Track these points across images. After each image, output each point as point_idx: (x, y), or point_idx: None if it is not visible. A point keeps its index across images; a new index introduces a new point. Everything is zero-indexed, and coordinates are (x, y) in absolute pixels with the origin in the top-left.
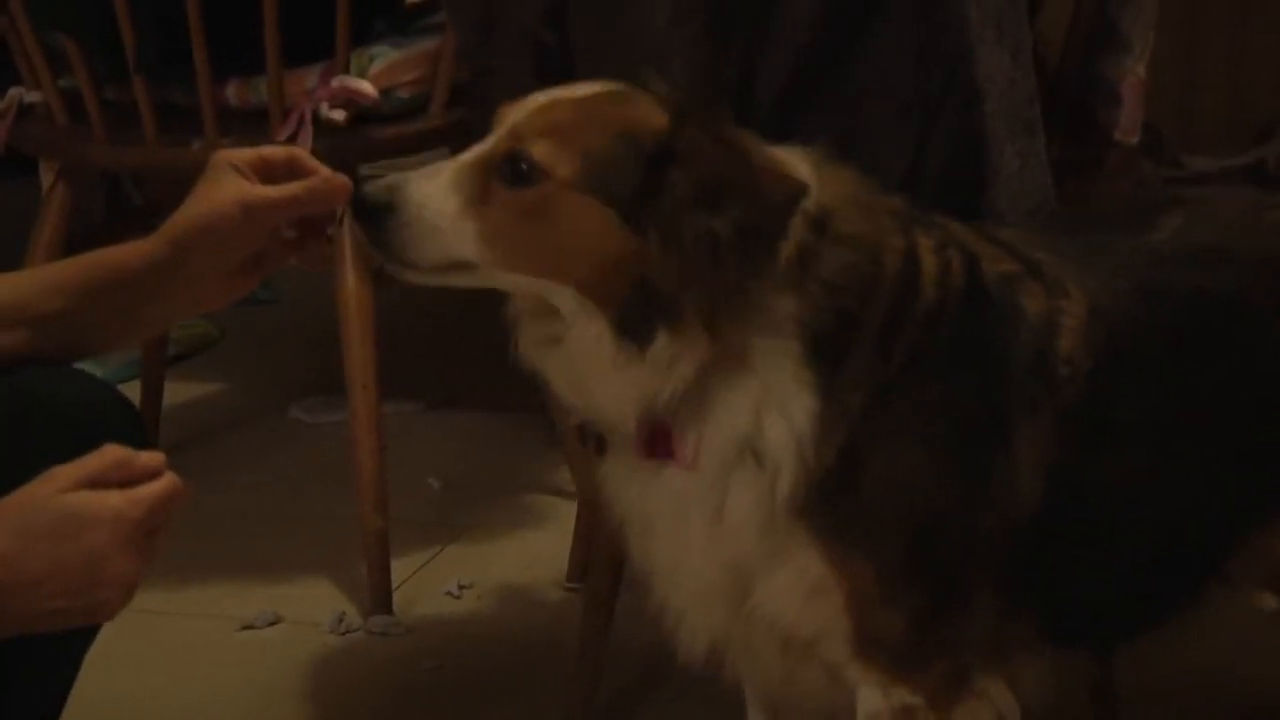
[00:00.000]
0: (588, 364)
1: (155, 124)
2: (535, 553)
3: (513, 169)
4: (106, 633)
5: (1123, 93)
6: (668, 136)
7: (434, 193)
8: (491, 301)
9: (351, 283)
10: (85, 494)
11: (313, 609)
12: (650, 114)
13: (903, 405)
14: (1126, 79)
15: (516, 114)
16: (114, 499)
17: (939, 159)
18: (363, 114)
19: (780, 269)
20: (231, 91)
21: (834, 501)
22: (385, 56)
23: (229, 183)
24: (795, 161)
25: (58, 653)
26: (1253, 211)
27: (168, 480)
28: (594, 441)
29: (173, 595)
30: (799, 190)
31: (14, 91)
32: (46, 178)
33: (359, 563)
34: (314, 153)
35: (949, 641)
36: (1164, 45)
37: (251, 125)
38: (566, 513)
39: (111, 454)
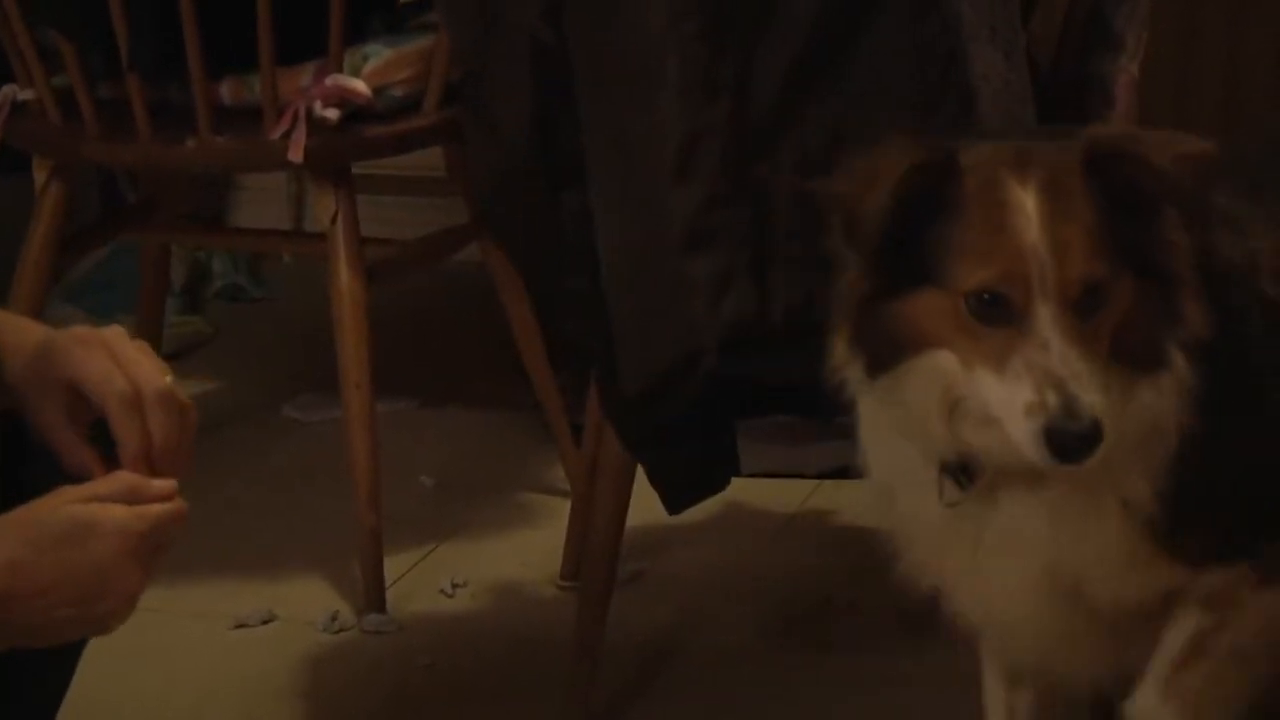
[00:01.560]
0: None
1: (149, 122)
2: (529, 551)
3: (1091, 302)
4: None
5: (1116, 92)
6: (1096, 169)
7: (1094, 387)
8: (485, 300)
9: (345, 280)
10: (94, 505)
11: (306, 607)
12: (1064, 162)
13: (1229, 376)
14: (1120, 78)
15: (1039, 261)
16: (120, 511)
17: None
18: (356, 112)
19: None
20: (225, 89)
21: (1176, 473)
22: (379, 55)
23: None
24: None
25: (53, 659)
26: None
27: (176, 503)
28: (956, 477)
29: (166, 594)
30: (1206, 148)
31: (7, 89)
32: (40, 176)
33: (352, 561)
34: (307, 152)
35: (1260, 558)
36: (1158, 43)
37: (245, 123)
38: (560, 511)
39: (123, 479)
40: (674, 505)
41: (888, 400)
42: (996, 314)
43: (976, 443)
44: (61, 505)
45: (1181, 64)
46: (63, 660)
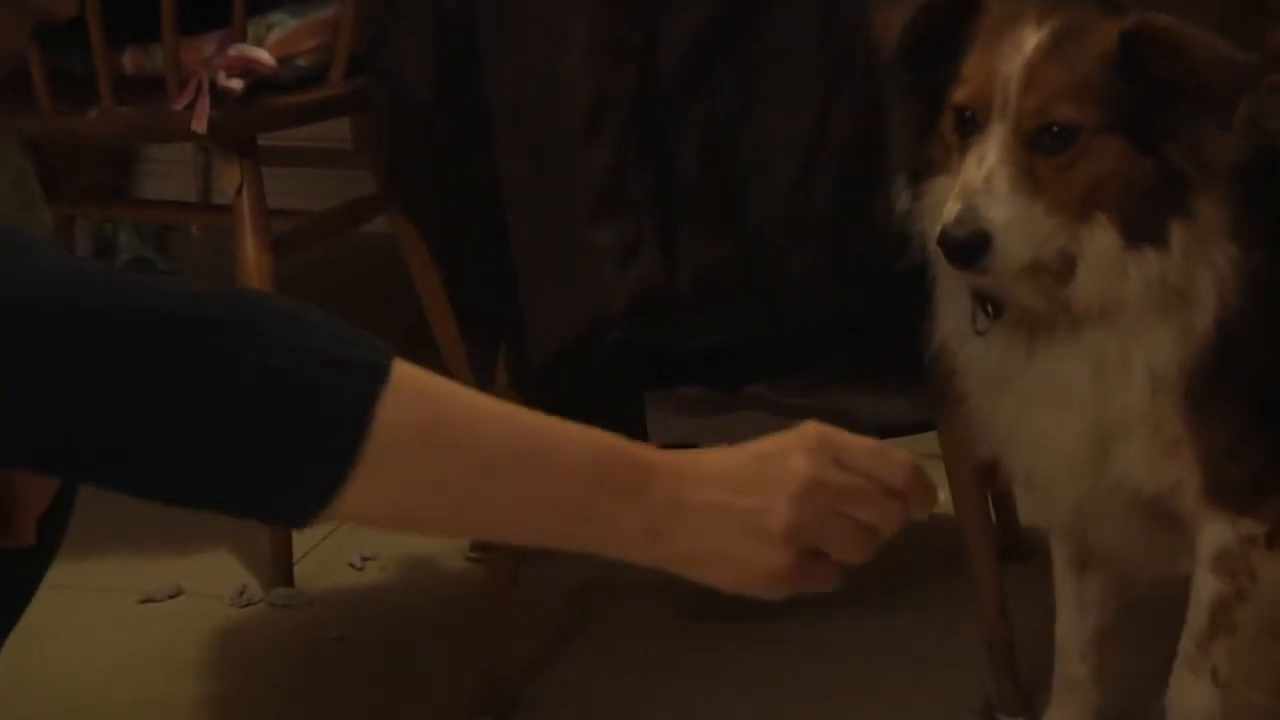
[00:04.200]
0: (1104, 273)
1: (49, 92)
2: None
3: (1049, 139)
4: None
5: None
6: (1134, 46)
7: (1004, 205)
8: (393, 270)
9: (250, 251)
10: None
11: (214, 582)
12: (1102, 27)
13: (1263, 248)
14: None
15: (1006, 86)
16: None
17: (841, 127)
18: (261, 83)
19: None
20: (128, 59)
21: (1204, 363)
22: (283, 24)
23: None
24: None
25: None
26: None
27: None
28: (987, 312)
29: (72, 568)
30: (1249, 58)
31: None
32: None
33: (260, 535)
34: (210, 122)
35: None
36: None
37: (148, 94)
38: None
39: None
40: None
41: (925, 223)
42: (969, 128)
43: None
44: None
45: None
46: None
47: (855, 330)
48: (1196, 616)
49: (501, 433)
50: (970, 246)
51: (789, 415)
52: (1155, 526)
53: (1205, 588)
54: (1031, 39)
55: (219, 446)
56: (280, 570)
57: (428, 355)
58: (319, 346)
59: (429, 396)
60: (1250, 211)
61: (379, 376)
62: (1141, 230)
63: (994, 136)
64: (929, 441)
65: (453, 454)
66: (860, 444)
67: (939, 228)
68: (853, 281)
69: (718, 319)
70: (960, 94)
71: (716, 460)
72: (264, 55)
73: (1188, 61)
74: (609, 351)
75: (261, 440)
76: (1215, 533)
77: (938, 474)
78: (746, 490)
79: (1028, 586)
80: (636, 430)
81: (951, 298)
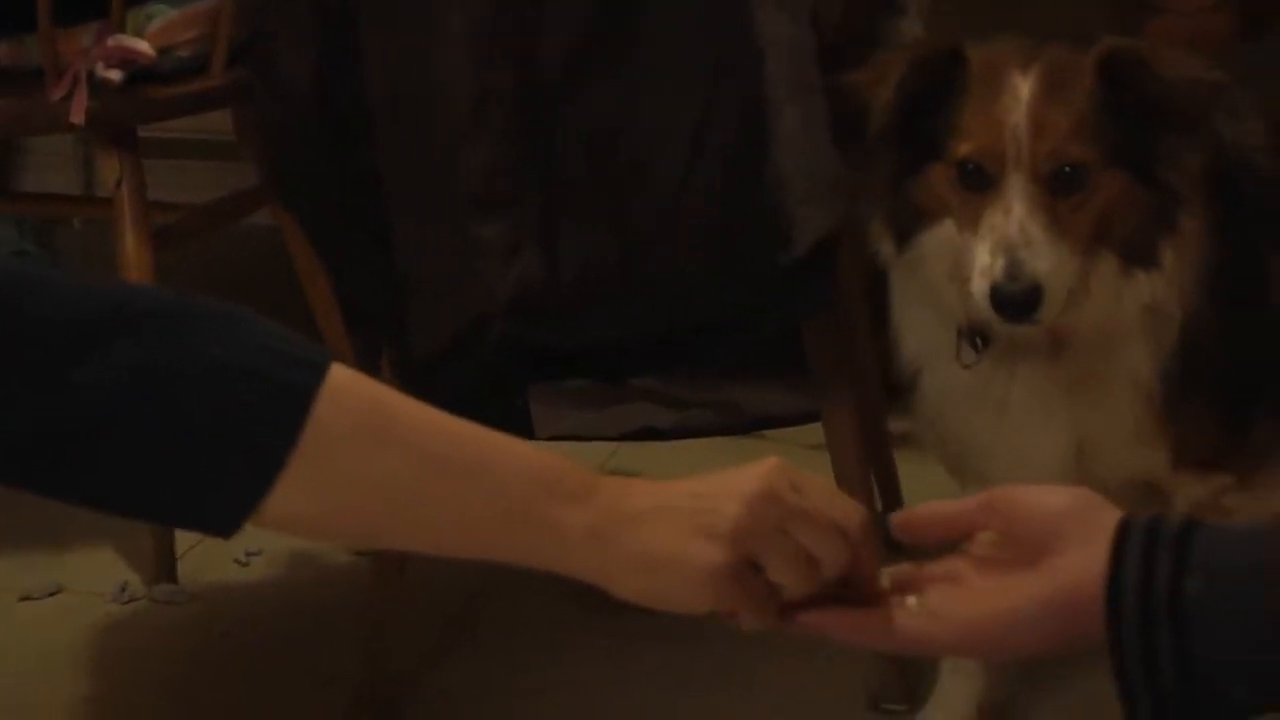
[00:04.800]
0: (1107, 302)
1: None
2: None
3: (1064, 181)
4: None
5: None
6: (1108, 73)
7: (1046, 254)
8: (279, 263)
9: (131, 245)
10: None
11: (95, 578)
12: (1080, 62)
13: (1218, 251)
14: (906, 39)
15: (1016, 134)
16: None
17: (724, 122)
18: (140, 74)
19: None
20: (3, 50)
21: (1176, 365)
22: (163, 15)
23: None
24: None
25: None
26: None
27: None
28: (973, 340)
29: None
30: (1217, 76)
31: None
32: None
33: (142, 531)
34: (89, 114)
35: (1247, 440)
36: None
37: (25, 85)
38: None
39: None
40: None
41: (911, 272)
42: (979, 182)
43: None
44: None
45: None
46: None
47: (740, 325)
48: None
49: (444, 433)
50: (1025, 300)
51: (678, 407)
52: (1129, 498)
53: None
54: (1025, 86)
55: (149, 444)
56: (163, 566)
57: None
58: (256, 343)
59: (367, 394)
60: (1213, 217)
61: (316, 372)
62: (1137, 255)
63: (1014, 186)
64: (813, 433)
65: (393, 450)
66: (817, 481)
67: (986, 284)
68: (736, 277)
69: (601, 315)
70: (965, 148)
71: (665, 481)
72: (143, 46)
73: (1158, 81)
74: (492, 347)
75: (193, 435)
76: (1189, 490)
77: (821, 465)
78: (699, 494)
79: None
80: (521, 422)
81: (914, 321)
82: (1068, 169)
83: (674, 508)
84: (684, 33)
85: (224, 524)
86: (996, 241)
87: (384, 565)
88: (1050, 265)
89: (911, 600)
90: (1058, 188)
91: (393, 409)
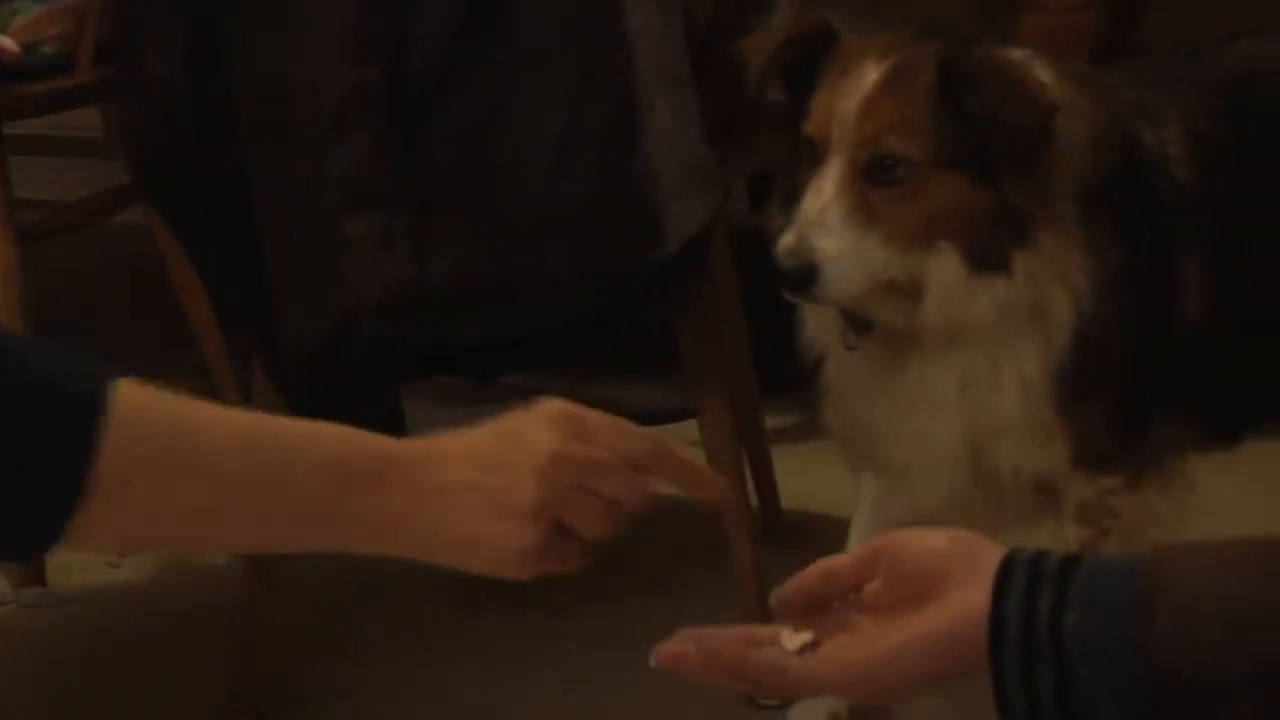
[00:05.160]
0: (948, 298)
1: None
2: None
3: (881, 171)
4: None
5: None
6: (949, 82)
7: (834, 237)
8: (150, 262)
9: None
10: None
11: None
12: (927, 64)
13: (1119, 258)
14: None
15: (844, 120)
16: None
17: (594, 119)
18: (5, 70)
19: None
20: None
21: (1068, 365)
22: (27, 11)
23: None
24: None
25: None
26: None
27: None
28: (856, 329)
29: None
30: (1049, 101)
31: None
32: None
33: None
34: None
35: (1143, 442)
36: None
37: None
38: None
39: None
40: None
41: None
42: (815, 159)
43: None
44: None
45: None
46: None
47: (614, 322)
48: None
49: (235, 449)
50: (799, 276)
51: None
52: (1026, 496)
53: (1070, 536)
54: (871, 75)
55: None
56: (31, 569)
57: (185, 349)
58: (30, 380)
59: (161, 419)
60: (1106, 225)
61: (95, 409)
62: (985, 258)
63: (831, 168)
64: (693, 429)
65: (188, 478)
66: (601, 418)
67: (777, 256)
68: (610, 275)
69: (471, 314)
70: (809, 126)
71: (459, 442)
72: (7, 42)
73: (988, 98)
74: (362, 346)
75: None
76: (1078, 491)
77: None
78: (493, 468)
79: (788, 569)
80: (395, 423)
81: (815, 311)
82: (887, 159)
83: (472, 485)
84: (553, 30)
85: (21, 557)
86: (800, 217)
87: (255, 563)
88: (836, 248)
89: (798, 639)
90: (875, 177)
91: (187, 431)
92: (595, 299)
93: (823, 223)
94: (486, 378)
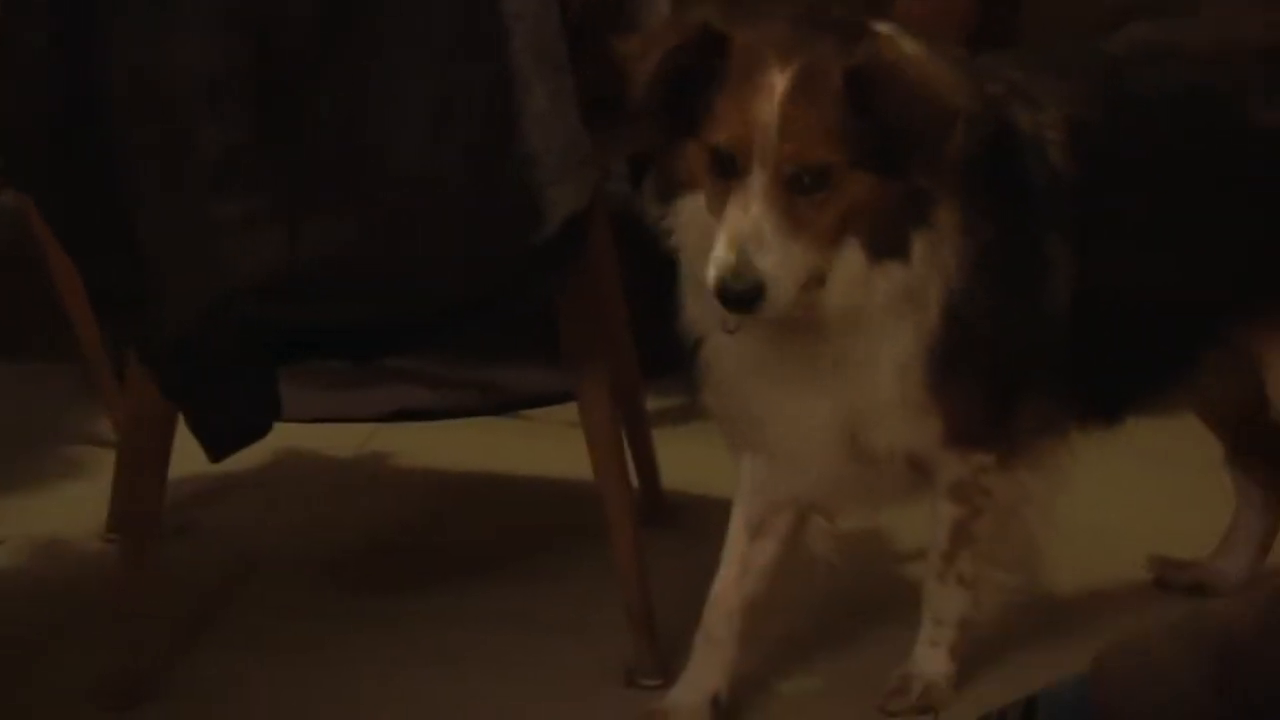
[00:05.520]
0: (851, 288)
1: None
2: (73, 504)
3: (807, 181)
4: None
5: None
6: (855, 85)
7: (773, 252)
8: (25, 245)
9: None
10: None
11: None
12: (832, 68)
13: (987, 238)
14: (652, 19)
15: (764, 134)
16: None
17: (469, 101)
18: None
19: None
20: None
21: (939, 345)
22: None
23: None
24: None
25: None
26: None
27: None
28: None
29: None
30: (956, 104)
31: None
32: None
33: None
34: None
35: (1014, 421)
36: None
37: None
38: (106, 463)
39: None
40: (215, 453)
41: (674, 235)
42: (728, 170)
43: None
44: None
45: None
46: None
47: (492, 304)
48: (939, 536)
49: None
50: (748, 297)
51: (436, 387)
52: (899, 474)
53: (945, 513)
54: (780, 83)
55: None
56: None
57: (61, 333)
58: None
59: None
60: (976, 205)
61: None
62: (886, 246)
63: (757, 183)
64: (574, 411)
65: None
66: None
67: (714, 276)
68: (487, 257)
69: (345, 296)
70: (718, 136)
71: None
72: None
73: (898, 104)
74: (235, 329)
75: None
76: (950, 468)
77: (580, 442)
78: None
79: (669, 550)
80: (270, 404)
81: (695, 293)
82: (812, 170)
83: None
84: (427, 10)
85: None
86: (731, 236)
87: (129, 549)
88: (777, 264)
89: None
90: (800, 188)
91: None
92: (473, 281)
93: (760, 240)
94: (364, 360)
